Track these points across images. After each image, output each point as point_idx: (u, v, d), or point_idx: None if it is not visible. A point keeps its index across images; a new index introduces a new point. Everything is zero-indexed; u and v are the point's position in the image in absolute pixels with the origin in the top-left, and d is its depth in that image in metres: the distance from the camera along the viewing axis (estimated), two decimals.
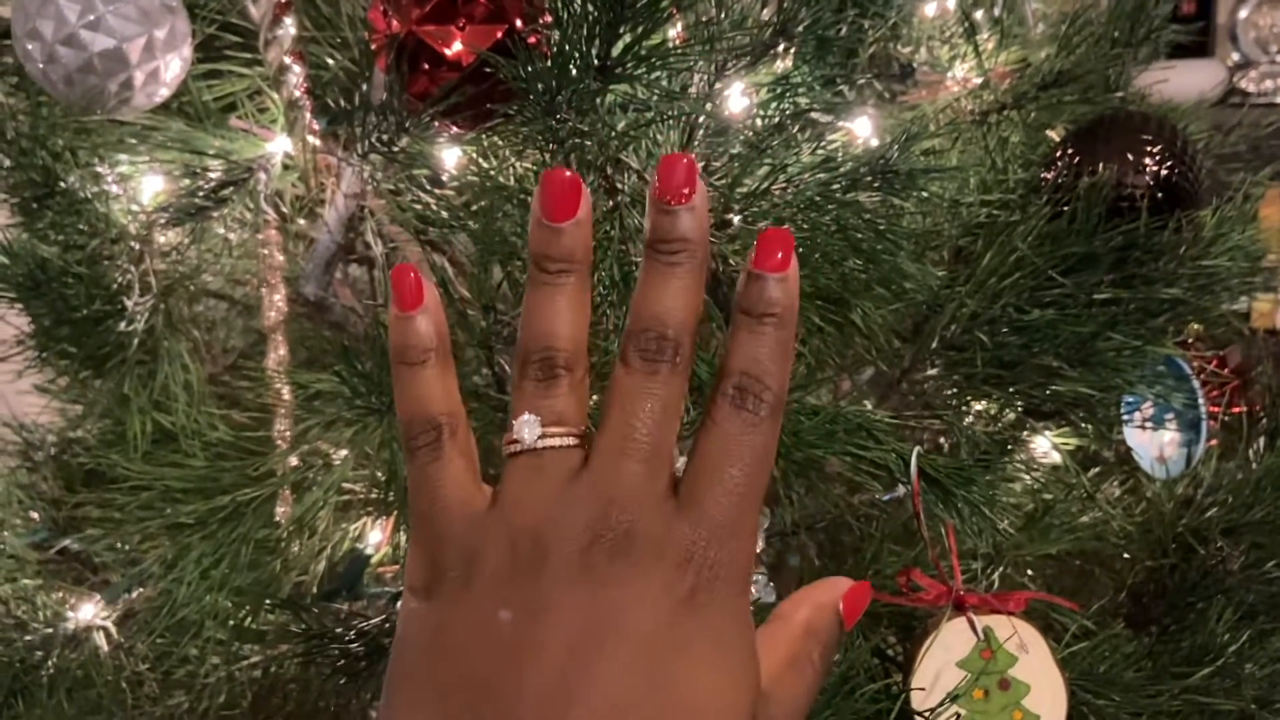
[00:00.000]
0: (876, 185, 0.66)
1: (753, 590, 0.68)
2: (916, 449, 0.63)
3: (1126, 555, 0.74)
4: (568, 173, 0.30)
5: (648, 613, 0.26)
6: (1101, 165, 0.66)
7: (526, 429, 0.29)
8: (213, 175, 0.70)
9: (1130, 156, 0.66)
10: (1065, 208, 0.67)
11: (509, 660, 0.25)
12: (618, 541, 0.27)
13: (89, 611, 0.80)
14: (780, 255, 0.29)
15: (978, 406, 0.79)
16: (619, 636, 0.25)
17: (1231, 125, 0.87)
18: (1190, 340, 0.87)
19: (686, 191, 0.29)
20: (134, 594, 0.79)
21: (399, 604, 0.29)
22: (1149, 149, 0.66)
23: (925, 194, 0.65)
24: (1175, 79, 0.92)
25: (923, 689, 0.61)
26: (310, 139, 0.71)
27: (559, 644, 0.25)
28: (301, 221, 0.84)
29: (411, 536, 0.30)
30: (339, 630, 0.64)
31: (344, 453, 0.72)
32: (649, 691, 0.25)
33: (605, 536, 0.27)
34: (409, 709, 0.26)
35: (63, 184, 0.74)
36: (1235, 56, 2.00)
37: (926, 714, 0.61)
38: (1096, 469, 0.82)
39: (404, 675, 0.27)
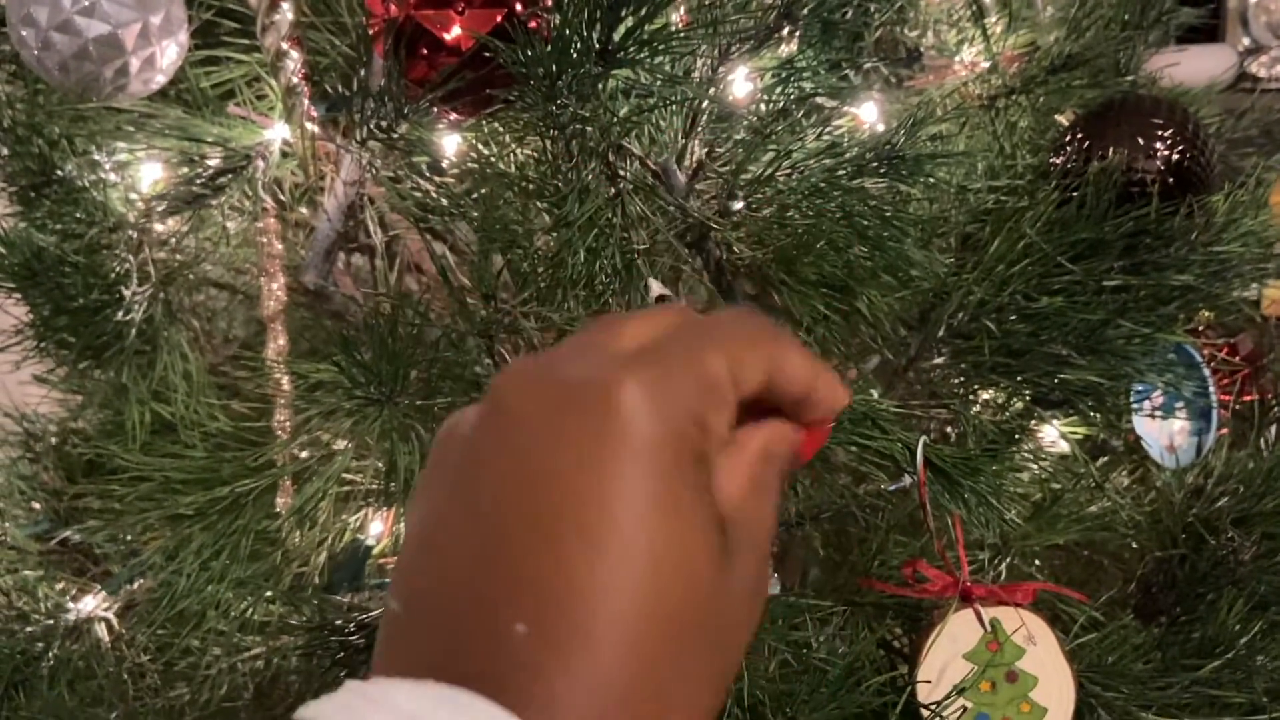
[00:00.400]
0: (883, 171, 0.65)
1: None
2: (923, 438, 0.62)
3: (1135, 545, 0.73)
4: None
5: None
6: (1112, 149, 0.65)
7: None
8: (211, 163, 0.69)
9: (1141, 140, 0.65)
10: (1075, 193, 0.66)
11: (504, 498, 0.25)
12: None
13: (90, 603, 0.79)
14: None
15: (984, 396, 0.78)
16: (545, 494, 0.25)
17: (1243, 110, 0.86)
18: (1201, 328, 0.86)
19: None
20: (135, 585, 0.78)
21: None
22: (1160, 133, 0.65)
23: (932, 179, 0.64)
24: (1186, 64, 0.91)
25: (929, 681, 0.60)
26: (309, 126, 0.70)
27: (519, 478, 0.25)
28: (302, 210, 0.83)
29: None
30: (340, 622, 0.63)
31: (344, 443, 0.71)
32: (575, 548, 0.24)
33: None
34: (398, 611, 0.26)
35: (60, 172, 0.73)
36: (1246, 41, 1.98)
37: (933, 707, 0.60)
38: (1105, 458, 0.81)
39: (396, 571, 0.28)
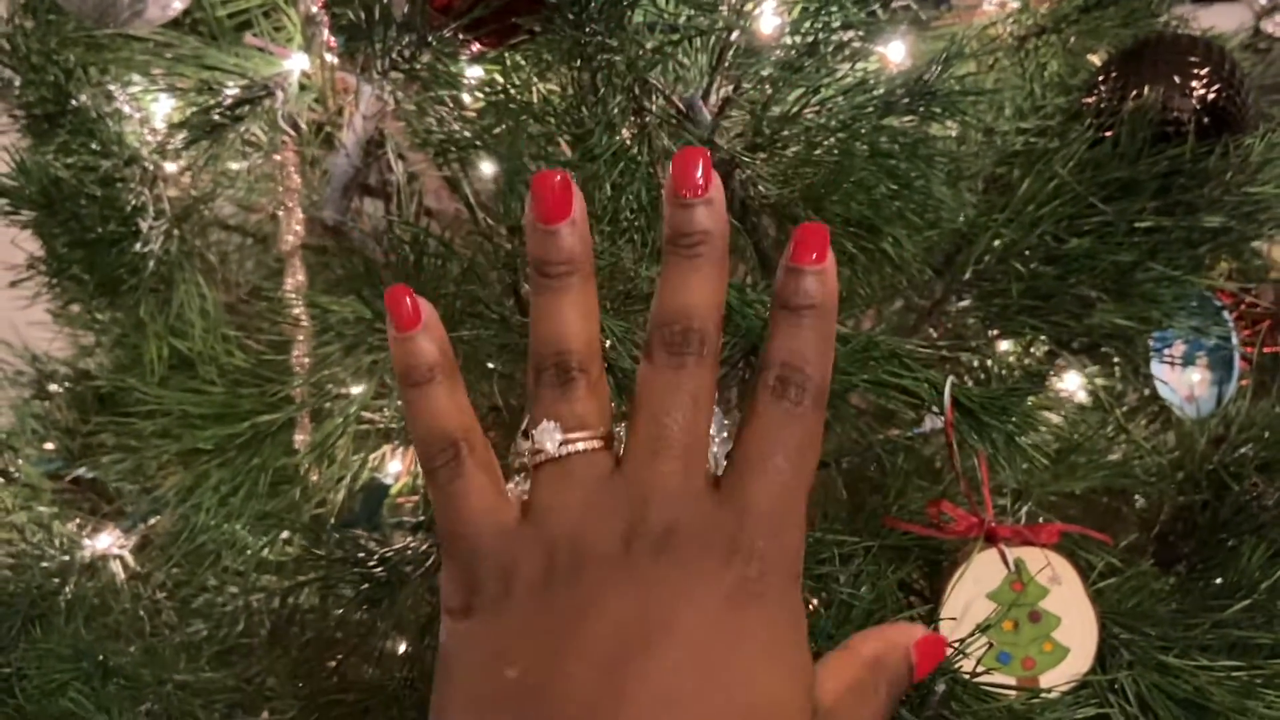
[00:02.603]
0: (914, 107, 0.64)
1: None
2: (950, 378, 0.62)
3: (1156, 493, 0.73)
4: (558, 175, 0.30)
5: (695, 608, 0.25)
6: (1147, 88, 0.64)
7: (548, 437, 0.29)
8: (229, 93, 0.68)
9: (1177, 79, 0.64)
10: (1107, 133, 0.65)
11: (555, 666, 0.25)
12: (659, 539, 0.26)
13: (106, 540, 0.79)
14: (817, 251, 0.29)
15: (1005, 345, 0.77)
16: (667, 634, 0.25)
17: (1274, 56, 0.85)
18: (1223, 280, 0.85)
19: (702, 184, 0.29)
20: (151, 522, 0.78)
21: (439, 626, 0.28)
22: (1197, 71, 0.64)
23: (964, 115, 0.63)
24: (1203, 20, 0.89)
25: (953, 619, 0.60)
26: (328, 57, 0.69)
27: (605, 645, 0.25)
28: (318, 151, 0.82)
29: (443, 559, 0.29)
30: (360, 555, 0.63)
31: (363, 382, 0.71)
32: (701, 687, 0.24)
33: (646, 536, 0.26)
34: None
35: (74, 102, 0.72)
36: (1263, 1, 1.95)
37: (956, 645, 0.60)
38: (1127, 406, 0.81)
39: (450, 694, 0.26)
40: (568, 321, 0.29)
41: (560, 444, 0.28)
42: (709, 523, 0.26)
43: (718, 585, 0.25)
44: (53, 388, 0.91)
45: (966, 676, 0.58)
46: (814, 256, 0.29)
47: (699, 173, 0.29)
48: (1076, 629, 0.61)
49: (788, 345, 0.28)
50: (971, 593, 0.62)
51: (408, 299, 0.30)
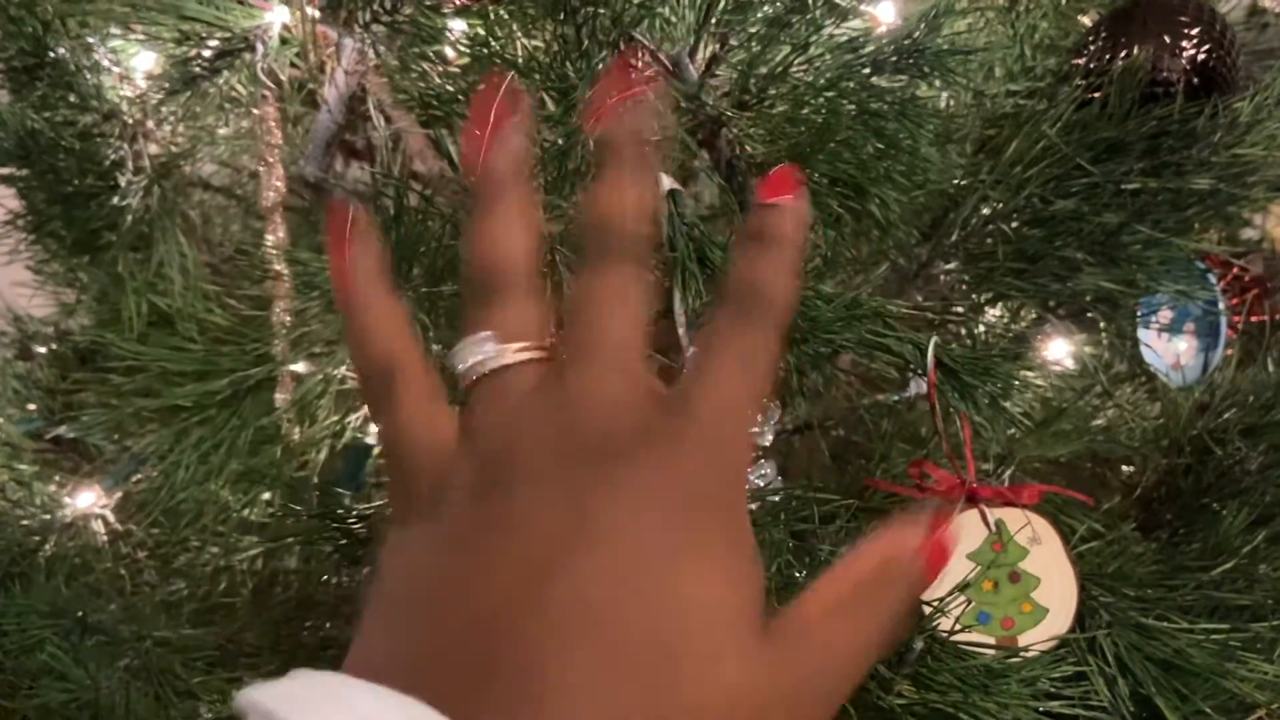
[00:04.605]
0: (902, 66, 0.64)
1: (760, 480, 0.67)
2: (934, 338, 0.62)
3: (1141, 458, 0.73)
4: (503, 81, 0.29)
5: (626, 516, 0.24)
6: (1136, 48, 0.63)
7: (478, 347, 0.27)
8: (209, 44, 0.67)
9: (1167, 39, 0.63)
10: (1096, 94, 0.65)
11: (479, 573, 0.24)
12: (593, 447, 0.25)
13: (87, 499, 0.79)
14: (789, 190, 0.28)
15: (993, 313, 0.77)
16: (595, 541, 0.23)
17: (1265, 22, 0.84)
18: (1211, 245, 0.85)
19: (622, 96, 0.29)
20: (132, 480, 0.78)
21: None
22: (1187, 32, 0.63)
23: (953, 74, 0.63)
24: None
25: None
26: (309, 9, 0.68)
27: (531, 553, 0.24)
28: (299, 108, 0.81)
29: (386, 471, 0.28)
30: (340, 511, 0.63)
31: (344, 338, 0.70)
32: (628, 595, 0.23)
33: (577, 443, 0.25)
34: (378, 632, 0.25)
35: (52, 55, 0.71)
36: None
37: (935, 604, 0.60)
38: (1113, 371, 0.81)
39: (375, 601, 0.25)
40: (501, 236, 0.28)
41: (494, 355, 0.27)
42: (645, 428, 0.25)
43: (650, 492, 0.24)
44: (36, 348, 0.91)
45: (945, 635, 0.59)
46: (784, 194, 0.28)
47: (631, 75, 0.28)
48: (1056, 590, 0.61)
49: (750, 268, 0.27)
50: None
51: (347, 211, 0.29)
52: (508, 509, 0.25)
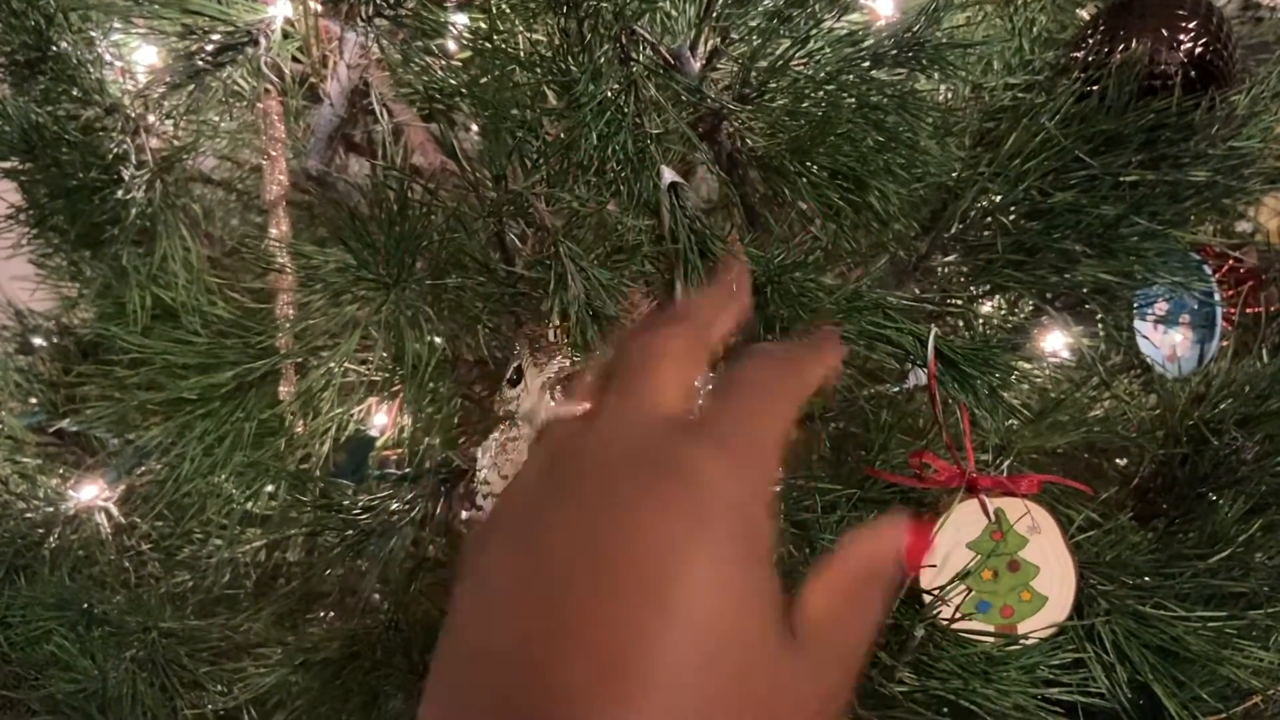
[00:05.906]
0: (901, 59, 0.64)
1: None
2: (934, 329, 0.62)
3: (1138, 448, 0.73)
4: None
5: (649, 534, 0.25)
6: (1134, 42, 0.64)
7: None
8: (212, 39, 0.67)
9: (1165, 33, 0.64)
10: (1094, 87, 0.65)
11: (504, 613, 0.25)
12: (617, 466, 0.26)
13: (90, 491, 0.79)
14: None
15: (989, 307, 0.77)
16: (614, 559, 0.24)
17: (1259, 16, 0.85)
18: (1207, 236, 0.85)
19: None
20: (135, 473, 0.78)
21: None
22: (1184, 24, 0.64)
23: (952, 66, 0.63)
24: None
25: (933, 567, 0.61)
26: (312, 3, 0.68)
27: (556, 572, 0.25)
28: (301, 102, 0.81)
29: None
30: (345, 503, 0.63)
31: (347, 333, 0.71)
32: (646, 611, 0.24)
33: (607, 464, 0.27)
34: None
35: (55, 49, 0.71)
36: None
37: (935, 592, 0.61)
38: (1111, 363, 0.81)
39: (455, 594, 0.28)
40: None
41: (560, 405, 0.29)
42: (671, 449, 0.26)
43: (674, 510, 0.25)
44: (37, 342, 0.91)
45: (945, 623, 0.59)
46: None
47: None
48: (1055, 578, 0.62)
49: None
50: (952, 541, 0.62)
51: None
52: (541, 533, 0.26)
